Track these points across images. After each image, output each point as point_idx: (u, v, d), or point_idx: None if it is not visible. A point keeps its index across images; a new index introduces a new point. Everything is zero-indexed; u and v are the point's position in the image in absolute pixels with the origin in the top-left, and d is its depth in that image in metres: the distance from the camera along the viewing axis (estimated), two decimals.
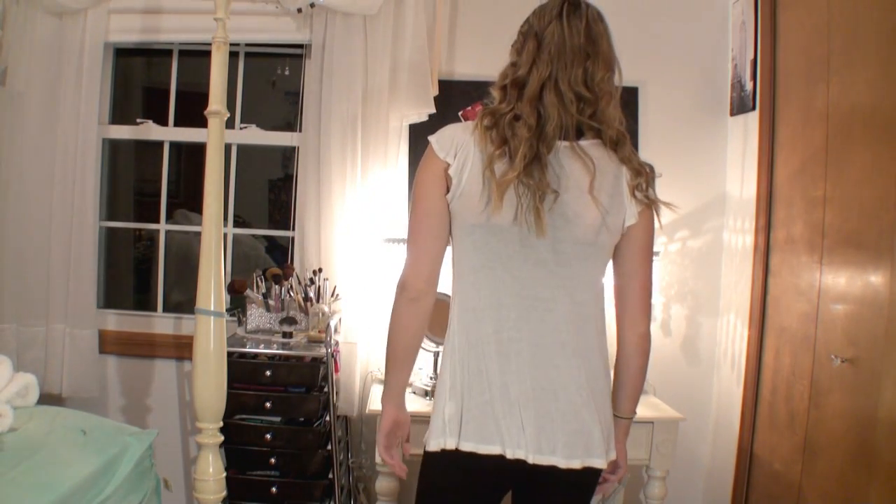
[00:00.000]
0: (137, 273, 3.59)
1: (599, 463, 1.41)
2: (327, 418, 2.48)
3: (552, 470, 1.38)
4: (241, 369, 2.41)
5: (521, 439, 1.37)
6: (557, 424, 1.38)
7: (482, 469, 1.40)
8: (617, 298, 1.50)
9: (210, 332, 2.02)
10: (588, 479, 1.44)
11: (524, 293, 1.39)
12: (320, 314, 2.62)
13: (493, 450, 1.37)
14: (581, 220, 1.37)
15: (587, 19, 1.41)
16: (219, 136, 2.06)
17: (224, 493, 2.09)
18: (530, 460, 1.37)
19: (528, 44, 1.42)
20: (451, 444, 1.39)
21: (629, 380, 1.50)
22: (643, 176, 1.41)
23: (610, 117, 1.40)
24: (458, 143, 1.40)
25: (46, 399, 2.35)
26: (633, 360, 1.49)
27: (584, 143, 1.40)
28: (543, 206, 1.34)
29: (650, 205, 1.43)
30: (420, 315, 1.44)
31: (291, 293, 2.62)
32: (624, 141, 1.42)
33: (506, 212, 1.35)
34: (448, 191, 1.40)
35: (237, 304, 2.63)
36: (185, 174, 3.59)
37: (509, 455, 1.37)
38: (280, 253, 3.43)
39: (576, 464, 1.38)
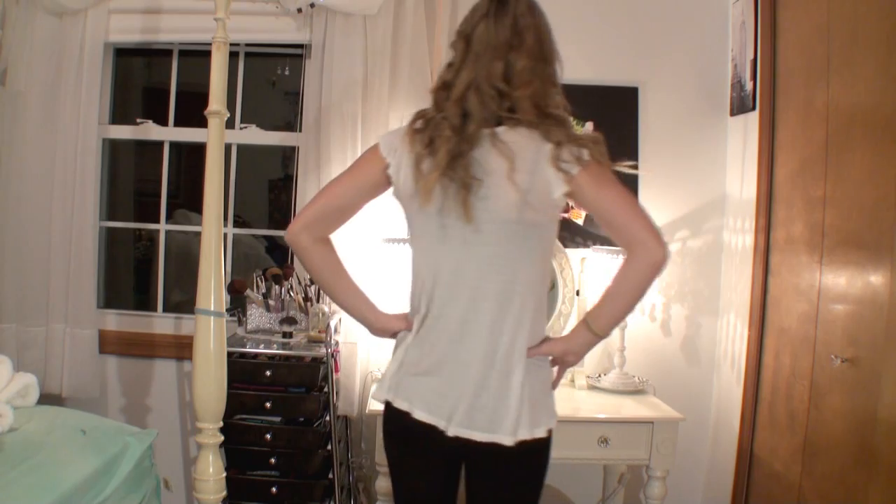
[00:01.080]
0: (137, 273, 3.60)
1: (507, 440, 1.45)
2: (327, 418, 2.48)
3: (470, 443, 1.47)
4: (241, 369, 2.41)
5: (435, 406, 1.49)
6: (469, 398, 1.47)
7: (411, 428, 1.52)
8: (622, 248, 1.51)
9: (210, 332, 2.02)
10: (510, 455, 1.48)
11: (454, 273, 1.51)
12: (320, 314, 2.62)
13: (402, 406, 1.52)
14: (501, 202, 1.45)
15: (514, 14, 1.48)
16: (219, 136, 2.06)
17: (224, 493, 2.09)
18: (441, 427, 1.48)
19: (458, 44, 1.51)
20: (387, 396, 1.55)
21: (612, 300, 1.50)
22: (567, 146, 1.45)
23: (526, 106, 1.45)
24: (395, 145, 1.54)
25: (46, 399, 2.35)
26: (625, 282, 1.48)
27: (499, 129, 1.46)
28: (469, 194, 1.44)
29: (586, 165, 1.45)
30: (302, 256, 1.63)
31: (291, 293, 2.62)
32: (552, 122, 1.46)
33: (435, 203, 1.47)
34: (382, 186, 1.58)
35: (237, 304, 2.63)
36: (185, 174, 3.59)
37: (416, 416, 1.50)
38: (280, 253, 3.43)
39: (480, 437, 1.46)
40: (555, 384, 1.61)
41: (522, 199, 1.44)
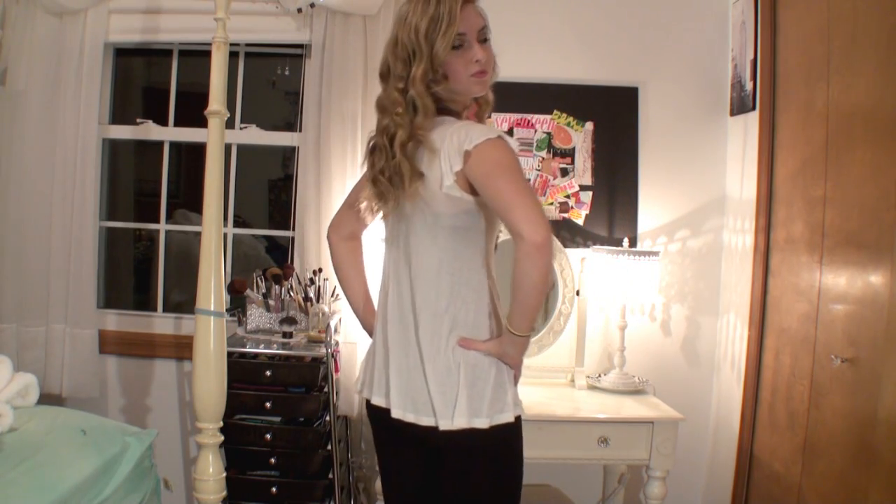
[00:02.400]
0: (137, 273, 3.59)
1: (429, 421, 1.52)
2: (327, 418, 2.48)
3: (412, 426, 1.55)
4: (241, 369, 2.41)
5: (383, 391, 1.60)
6: (404, 382, 1.56)
7: (380, 418, 1.63)
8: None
9: (210, 332, 2.02)
10: (441, 439, 1.53)
11: (398, 268, 1.63)
12: (320, 314, 2.62)
13: (366, 394, 1.67)
14: (412, 198, 1.53)
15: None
16: (219, 136, 2.06)
17: (224, 493, 2.09)
18: (384, 405, 1.59)
19: None
20: (365, 394, 1.68)
21: (514, 297, 1.50)
22: (445, 143, 1.48)
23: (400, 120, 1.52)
24: None
25: (46, 399, 2.35)
26: (516, 277, 1.47)
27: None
28: (402, 196, 1.54)
29: (468, 154, 1.46)
30: (330, 252, 1.88)
31: (291, 293, 2.62)
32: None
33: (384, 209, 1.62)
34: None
35: (237, 304, 2.63)
36: (185, 174, 3.59)
37: (374, 401, 1.63)
38: (280, 253, 3.43)
39: (410, 418, 1.55)
40: (515, 379, 1.62)
41: (424, 192, 1.52)
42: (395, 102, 1.52)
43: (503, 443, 1.56)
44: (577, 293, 2.73)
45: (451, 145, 1.46)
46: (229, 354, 2.13)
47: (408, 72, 1.50)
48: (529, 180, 1.46)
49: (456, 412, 1.50)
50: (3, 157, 2.73)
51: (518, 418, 1.56)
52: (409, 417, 1.54)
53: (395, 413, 1.56)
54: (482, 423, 1.51)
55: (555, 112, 2.81)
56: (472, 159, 1.44)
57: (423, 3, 1.47)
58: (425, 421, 1.53)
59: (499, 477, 1.57)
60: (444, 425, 1.51)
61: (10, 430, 1.90)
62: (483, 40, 1.53)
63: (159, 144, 3.02)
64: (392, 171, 1.52)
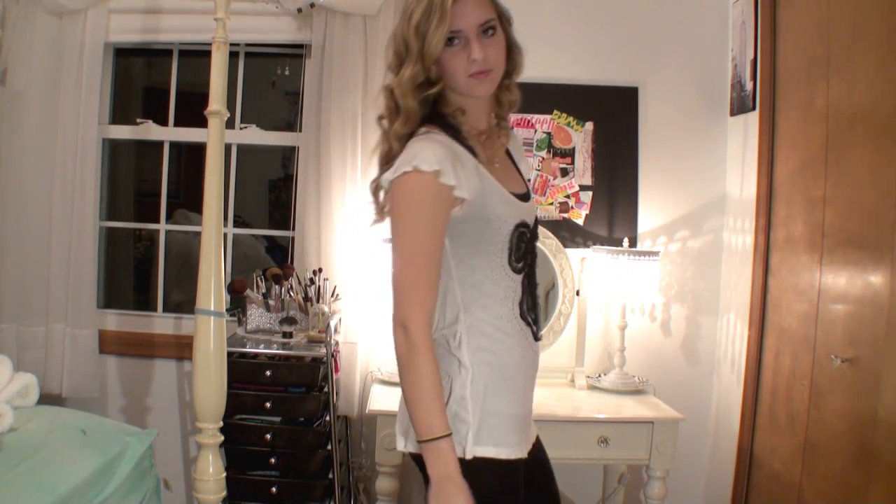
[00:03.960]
0: (137, 273, 3.60)
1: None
2: (327, 418, 2.48)
3: None
4: (241, 369, 2.41)
5: None
6: None
7: None
8: None
9: (210, 332, 2.02)
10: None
11: None
12: (320, 314, 2.62)
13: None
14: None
15: None
16: (219, 136, 2.05)
17: (224, 493, 2.08)
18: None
19: None
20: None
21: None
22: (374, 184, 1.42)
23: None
24: None
25: (46, 399, 2.35)
26: None
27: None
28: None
29: (379, 199, 1.42)
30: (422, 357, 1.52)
31: (291, 293, 2.62)
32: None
33: None
34: None
35: (237, 304, 2.63)
36: (185, 174, 3.59)
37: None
38: (280, 253, 3.43)
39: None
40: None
41: None
42: (384, 107, 1.39)
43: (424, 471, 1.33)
44: (577, 293, 2.73)
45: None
46: (229, 354, 2.13)
47: (398, 68, 1.36)
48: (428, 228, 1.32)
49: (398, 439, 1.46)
50: (3, 157, 2.73)
51: (480, 460, 1.36)
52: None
53: None
54: (407, 446, 1.43)
55: (555, 112, 2.81)
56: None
57: None
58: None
59: None
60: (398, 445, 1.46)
61: (10, 430, 1.89)
62: (488, 33, 1.35)
63: (159, 144, 3.02)
64: None
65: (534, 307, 1.47)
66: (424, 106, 1.38)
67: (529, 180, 1.45)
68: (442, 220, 1.32)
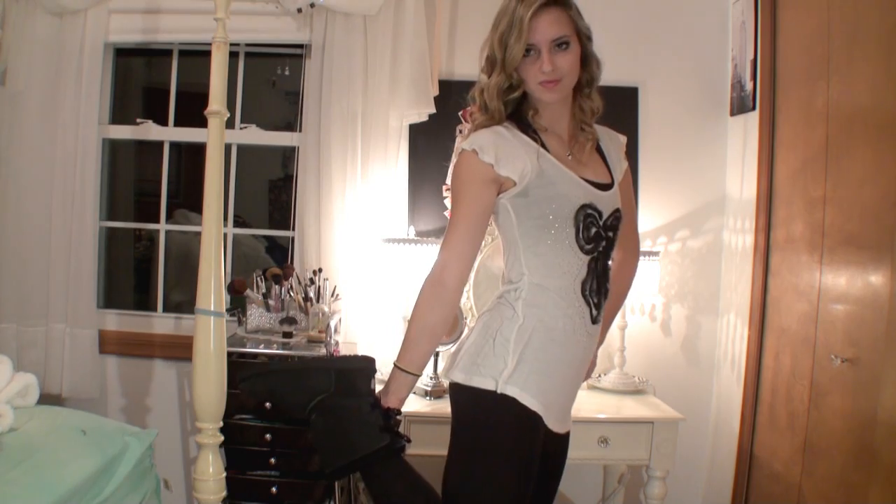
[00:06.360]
0: (137, 273, 3.60)
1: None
2: None
3: None
4: (242, 369, 2.41)
5: None
6: None
7: None
8: None
9: (210, 332, 2.01)
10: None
11: None
12: (320, 314, 2.61)
13: None
14: None
15: None
16: (219, 136, 2.05)
17: (224, 493, 2.08)
18: None
19: None
20: None
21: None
22: None
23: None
24: None
25: (46, 399, 2.35)
26: None
27: None
28: None
29: None
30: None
31: (291, 293, 2.62)
32: None
33: None
34: None
35: (237, 304, 2.63)
36: (185, 174, 3.59)
37: None
38: (280, 253, 3.43)
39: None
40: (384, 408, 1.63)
41: None
42: (476, 104, 1.61)
43: (459, 396, 1.59)
44: None
45: None
46: (229, 354, 2.12)
47: (490, 72, 1.57)
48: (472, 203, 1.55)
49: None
50: (3, 157, 2.73)
51: (508, 398, 1.53)
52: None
53: None
54: (458, 377, 1.58)
55: None
56: None
57: (513, 1, 1.53)
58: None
59: (466, 443, 1.58)
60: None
61: (10, 430, 1.89)
62: (562, 47, 1.55)
63: (159, 144, 3.01)
64: None
65: (598, 291, 1.60)
66: (510, 106, 1.59)
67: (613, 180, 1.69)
68: (483, 192, 1.54)
